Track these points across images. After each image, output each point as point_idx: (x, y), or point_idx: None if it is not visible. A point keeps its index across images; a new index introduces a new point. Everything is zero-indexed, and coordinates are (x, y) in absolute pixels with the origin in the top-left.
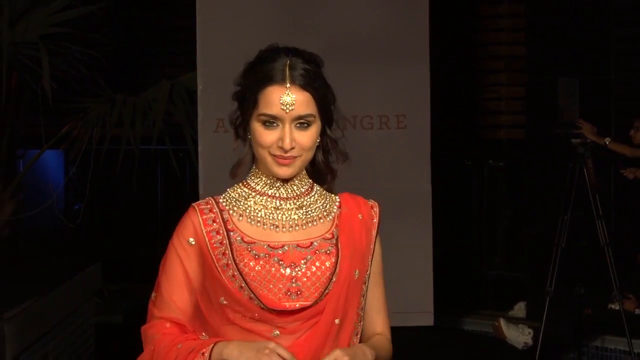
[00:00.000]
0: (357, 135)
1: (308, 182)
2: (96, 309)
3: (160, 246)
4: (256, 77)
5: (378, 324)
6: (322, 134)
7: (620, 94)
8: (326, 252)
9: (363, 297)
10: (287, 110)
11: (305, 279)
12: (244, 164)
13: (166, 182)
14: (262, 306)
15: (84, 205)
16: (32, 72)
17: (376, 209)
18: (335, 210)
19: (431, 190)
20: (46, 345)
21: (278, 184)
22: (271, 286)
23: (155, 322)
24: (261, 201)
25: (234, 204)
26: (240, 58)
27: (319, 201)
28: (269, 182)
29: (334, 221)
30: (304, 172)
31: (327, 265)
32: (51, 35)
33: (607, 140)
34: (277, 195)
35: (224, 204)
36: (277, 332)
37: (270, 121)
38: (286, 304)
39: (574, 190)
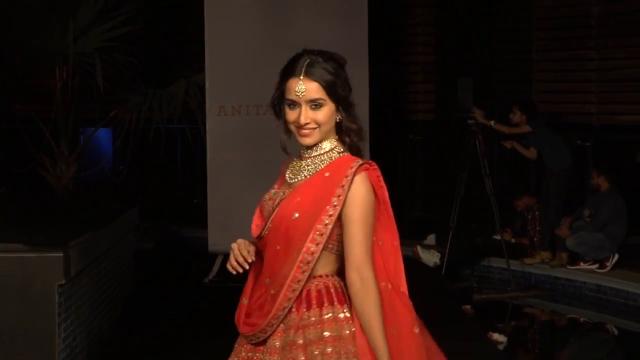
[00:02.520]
0: None
1: (326, 146)
2: (134, 239)
3: (180, 196)
4: (285, 73)
5: (349, 255)
6: (338, 113)
7: (501, 89)
8: (282, 198)
9: (320, 235)
10: (300, 96)
11: (273, 216)
12: (283, 138)
13: (183, 151)
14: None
15: (126, 167)
16: (89, 73)
17: (354, 168)
18: (321, 168)
19: (370, 156)
20: (99, 265)
21: (304, 149)
22: (264, 219)
23: None
24: (297, 161)
25: (291, 163)
26: (236, 64)
27: (319, 163)
28: (302, 147)
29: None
30: (327, 139)
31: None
32: (103, 48)
33: (493, 122)
34: (303, 156)
35: (289, 163)
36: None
37: (292, 104)
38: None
39: (469, 155)
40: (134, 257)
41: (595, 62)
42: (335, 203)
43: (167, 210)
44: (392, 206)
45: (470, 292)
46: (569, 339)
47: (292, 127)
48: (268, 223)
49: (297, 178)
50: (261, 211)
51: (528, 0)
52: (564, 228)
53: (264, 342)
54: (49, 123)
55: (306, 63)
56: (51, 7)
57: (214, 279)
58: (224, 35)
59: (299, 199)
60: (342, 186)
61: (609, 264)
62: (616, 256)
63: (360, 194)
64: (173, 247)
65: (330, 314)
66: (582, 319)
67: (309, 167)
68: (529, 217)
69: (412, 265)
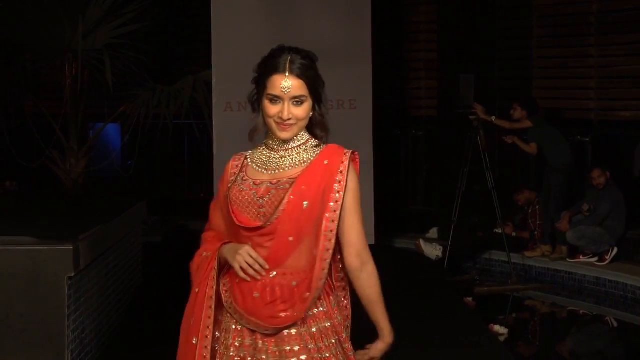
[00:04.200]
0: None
1: (302, 138)
2: (143, 233)
3: (187, 190)
4: (266, 68)
5: (349, 241)
6: (313, 109)
7: (502, 86)
8: (283, 188)
9: (332, 222)
10: (286, 92)
11: (267, 207)
12: (257, 129)
13: (191, 145)
14: (236, 223)
15: (134, 161)
16: (98, 70)
17: (348, 155)
18: (312, 158)
19: (373, 151)
20: (108, 257)
21: (279, 141)
22: (248, 210)
23: (206, 232)
24: (266, 153)
25: (253, 155)
26: (241, 62)
27: (302, 153)
28: (276, 140)
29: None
30: (303, 132)
31: (279, 197)
32: (112, 45)
33: (493, 118)
34: (275, 148)
35: (248, 156)
36: (250, 243)
37: (275, 99)
38: (255, 223)
39: (471, 150)
40: (142, 250)
41: (595, 58)
42: (337, 189)
43: (174, 204)
44: (395, 199)
45: (471, 285)
46: (569, 331)
47: (271, 121)
48: (276, 213)
49: (280, 169)
50: (232, 203)
51: None
52: (563, 222)
53: (275, 333)
54: (59, 118)
55: (289, 60)
56: (61, 4)
57: None
58: (230, 33)
59: (304, 187)
60: (341, 172)
61: (608, 258)
62: (615, 250)
63: (354, 181)
64: (180, 240)
65: (321, 308)
66: (581, 311)
67: (292, 157)
68: (530, 211)
69: (416, 258)
